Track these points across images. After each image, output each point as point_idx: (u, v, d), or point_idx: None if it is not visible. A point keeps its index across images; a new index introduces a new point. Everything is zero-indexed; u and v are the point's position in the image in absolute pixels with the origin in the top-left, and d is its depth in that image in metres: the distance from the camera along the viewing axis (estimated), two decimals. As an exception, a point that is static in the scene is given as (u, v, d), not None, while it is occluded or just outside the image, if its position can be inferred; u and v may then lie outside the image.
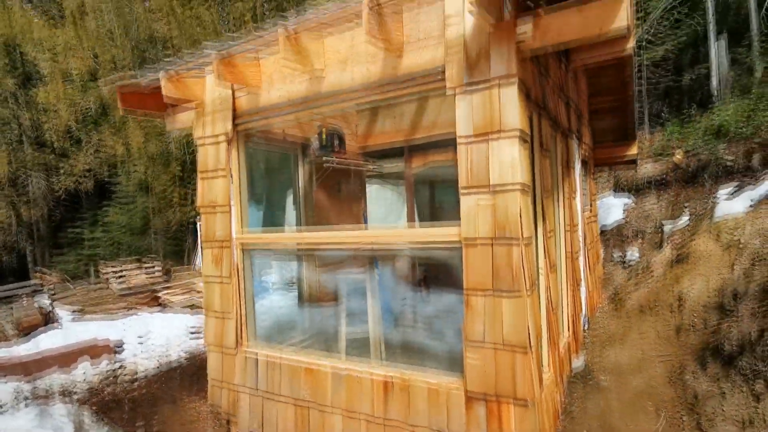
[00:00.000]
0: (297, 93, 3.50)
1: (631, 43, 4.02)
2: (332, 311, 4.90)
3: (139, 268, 12.43)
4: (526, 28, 2.57)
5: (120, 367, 5.03)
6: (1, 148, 19.62)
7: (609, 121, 6.61)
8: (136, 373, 4.94)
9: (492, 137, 2.64)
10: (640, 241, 7.87)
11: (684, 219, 7.32)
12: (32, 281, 12.37)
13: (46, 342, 6.02)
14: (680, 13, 9.83)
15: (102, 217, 21.39)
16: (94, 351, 5.44)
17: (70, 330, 6.65)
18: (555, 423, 3.47)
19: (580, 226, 5.42)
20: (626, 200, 8.59)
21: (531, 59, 3.01)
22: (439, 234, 2.87)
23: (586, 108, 6.00)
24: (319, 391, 3.35)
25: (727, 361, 3.33)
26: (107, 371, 4.90)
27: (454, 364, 2.88)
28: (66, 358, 5.23)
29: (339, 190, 5.60)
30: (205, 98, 4.01)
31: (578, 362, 4.52)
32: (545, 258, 3.50)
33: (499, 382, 2.62)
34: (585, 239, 5.59)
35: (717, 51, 11.18)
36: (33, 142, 21.55)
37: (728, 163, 7.51)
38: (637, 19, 10.41)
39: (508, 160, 2.59)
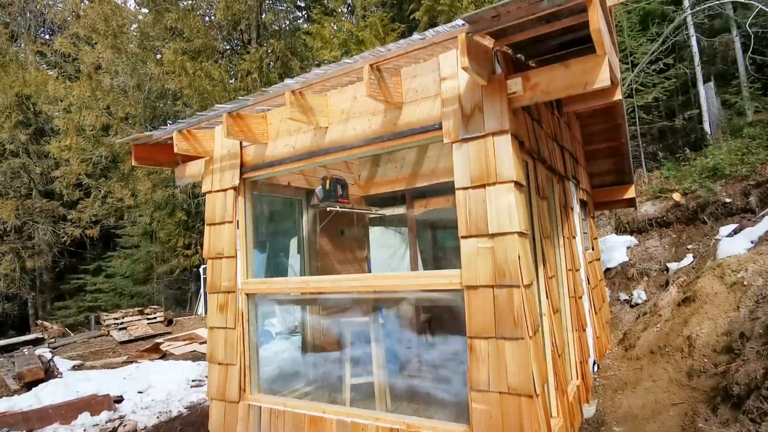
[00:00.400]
0: (302, 146, 3.67)
1: (617, 95, 4.23)
2: (336, 358, 4.86)
3: (141, 317, 12.34)
4: (516, 86, 2.75)
5: (120, 422, 4.93)
6: (10, 198, 20.05)
7: (606, 164, 6.78)
8: (135, 428, 4.83)
9: (489, 186, 2.76)
10: (645, 281, 7.84)
11: (688, 259, 7.33)
12: (33, 333, 12.27)
13: (47, 395, 5.92)
14: (666, 61, 10.31)
15: (106, 266, 21.47)
16: (94, 405, 5.36)
17: (71, 382, 6.55)
18: (567, 474, 3.36)
19: (582, 268, 5.45)
20: (629, 240, 8.63)
21: (524, 110, 3.19)
22: (441, 279, 2.92)
23: (581, 152, 6.18)
24: (324, 443, 3.28)
25: (735, 403, 3.27)
26: (106, 426, 4.80)
27: (461, 411, 2.84)
28: (67, 412, 5.15)
29: (342, 236, 5.69)
30: (214, 152, 4.20)
31: (590, 409, 4.42)
32: (548, 301, 3.53)
33: (506, 430, 2.58)
34: (588, 280, 5.60)
35: (706, 95, 11.59)
36: (41, 193, 22.05)
37: (727, 202, 7.61)
38: (625, 66, 10.90)
39: (505, 207, 2.69)
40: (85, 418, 5.06)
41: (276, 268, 5.12)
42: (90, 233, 17.54)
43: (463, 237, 2.82)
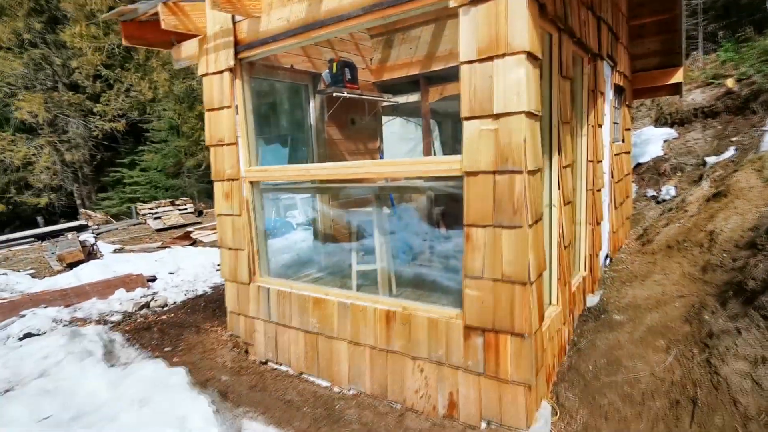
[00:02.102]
0: (297, 18, 3.28)
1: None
2: (347, 247, 4.96)
3: (173, 207, 12.95)
4: (539, -74, 2.23)
5: (152, 297, 5.37)
6: (37, 91, 20.19)
7: (653, 43, 5.97)
8: (166, 302, 5.26)
9: (497, 58, 2.41)
10: (678, 176, 7.40)
11: (729, 152, 6.76)
12: (78, 221, 13.18)
13: (87, 274, 6.48)
14: None
15: (139, 160, 22.16)
16: (129, 282, 5.82)
17: (109, 263, 7.11)
18: (561, 357, 3.47)
19: (606, 160, 5.11)
20: (668, 133, 7.99)
21: (549, -34, 2.67)
22: (441, 166, 2.74)
23: (625, 28, 5.41)
24: (327, 322, 3.46)
25: (749, 298, 3.16)
26: (140, 300, 5.25)
27: (458, 297, 2.86)
28: (104, 288, 5.63)
29: (353, 125, 5.44)
30: (207, 29, 3.86)
31: (593, 299, 4.45)
32: (559, 191, 3.33)
33: (497, 315, 2.60)
34: (612, 173, 5.29)
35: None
36: (67, 86, 22.04)
37: (786, 90, 6.75)
38: None
39: (514, 83, 2.37)
40: (120, 293, 5.54)
41: (284, 156, 5.02)
42: (117, 126, 17.76)
43: (465, 118, 2.56)
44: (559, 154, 3.30)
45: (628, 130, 6.22)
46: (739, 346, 2.78)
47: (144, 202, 16.74)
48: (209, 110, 3.98)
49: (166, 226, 11.77)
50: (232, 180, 3.94)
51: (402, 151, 8.72)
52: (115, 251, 9.14)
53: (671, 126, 8.05)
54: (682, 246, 5.03)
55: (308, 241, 6.50)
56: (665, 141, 7.82)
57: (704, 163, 6.89)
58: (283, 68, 4.57)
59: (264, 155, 4.88)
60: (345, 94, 4.70)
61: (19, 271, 7.39)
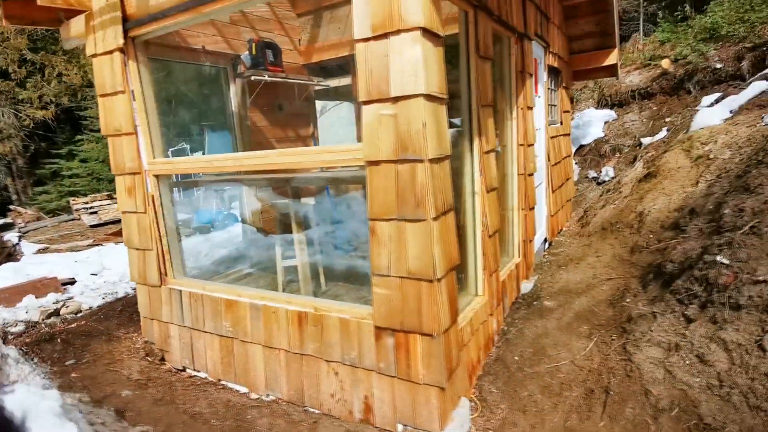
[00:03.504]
0: (187, -9, 2.93)
1: None
2: (273, 241, 4.69)
3: (111, 201, 12.16)
4: None
5: (64, 303, 4.92)
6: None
7: (587, 24, 5.92)
8: (80, 309, 4.84)
9: (392, 35, 2.18)
10: (617, 157, 7.50)
11: (662, 133, 6.89)
12: (3, 218, 12.18)
13: (-4, 279, 5.89)
14: None
15: (77, 150, 20.74)
16: (40, 287, 5.32)
17: (24, 266, 6.52)
18: (488, 348, 3.38)
19: (542, 143, 5.04)
20: (608, 115, 8.08)
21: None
22: (344, 155, 2.51)
23: (557, 8, 5.31)
24: (240, 325, 3.20)
25: (666, 281, 3.15)
26: (49, 307, 4.79)
27: (368, 295, 2.67)
28: (11, 295, 5.12)
29: (281, 110, 5.11)
30: (92, 2, 3.42)
31: (527, 285, 4.40)
32: (482, 178, 3.18)
33: (405, 314, 2.42)
34: (549, 157, 5.23)
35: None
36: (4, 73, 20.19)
37: (717, 68, 6.90)
38: None
39: (410, 64, 2.15)
40: (29, 300, 5.05)
41: (205, 147, 4.65)
42: (45, 114, 16.43)
43: (363, 102, 2.33)
44: (480, 138, 3.14)
45: (567, 112, 6.19)
46: (654, 331, 2.75)
47: (86, 195, 15.66)
48: (102, 96, 3.56)
49: (101, 222, 11.04)
50: (134, 174, 3.56)
51: (351, 136, 8.44)
52: (38, 251, 8.45)
53: (611, 108, 8.15)
54: (615, 228, 5.07)
55: (249, 234, 6.19)
56: (606, 123, 7.91)
57: (640, 144, 7.01)
58: (194, 49, 4.17)
59: (177, 145, 4.49)
60: (266, 78, 4.37)
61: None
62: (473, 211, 3.23)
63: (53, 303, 5.03)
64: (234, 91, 4.66)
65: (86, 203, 11.90)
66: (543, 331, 3.51)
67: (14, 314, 4.72)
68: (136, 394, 3.13)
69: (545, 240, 5.35)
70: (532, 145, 4.32)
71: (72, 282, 5.81)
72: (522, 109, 4.08)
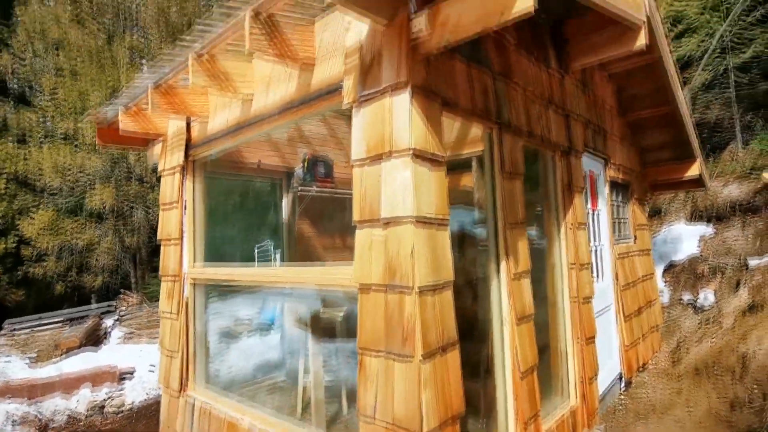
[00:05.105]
0: (233, 118, 3.28)
1: (640, 40, 3.24)
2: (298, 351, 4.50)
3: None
4: (420, 24, 2.07)
5: (110, 396, 5.08)
6: (111, 184, 22.54)
7: (660, 136, 5.51)
8: (123, 403, 4.94)
9: (385, 158, 2.14)
10: (718, 279, 6.38)
11: (775, 254, 5.79)
12: (109, 302, 13.67)
13: (71, 364, 6.36)
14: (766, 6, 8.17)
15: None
16: (98, 378, 5.61)
17: (103, 353, 7.01)
18: None
19: (606, 262, 4.47)
20: (702, 229, 7.11)
21: (464, 57, 2.48)
22: (336, 275, 2.38)
23: (616, 121, 5.05)
24: (237, 451, 2.96)
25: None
26: (98, 400, 4.97)
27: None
28: (73, 382, 5.44)
29: (330, 220, 5.26)
30: (168, 130, 3.99)
31: (590, 437, 3.57)
32: (511, 305, 2.80)
33: (389, 474, 2.02)
34: (617, 278, 4.59)
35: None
36: (137, 178, 24.50)
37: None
38: (716, 18, 8.89)
39: (400, 187, 2.06)
40: (85, 390, 5.31)
41: (250, 254, 4.86)
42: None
43: (357, 223, 2.24)
44: (508, 260, 2.84)
45: (643, 227, 5.54)
46: None
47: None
48: (162, 206, 3.97)
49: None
50: (175, 278, 3.77)
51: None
52: (122, 337, 9.14)
53: (707, 221, 7.18)
54: (712, 371, 4.10)
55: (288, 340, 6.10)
56: (701, 238, 6.92)
57: (746, 266, 5.92)
58: (250, 166, 4.59)
59: (239, 253, 4.73)
60: (313, 191, 4.59)
61: (24, 356, 7.48)
62: (502, 344, 2.81)
63: (105, 394, 5.23)
64: (286, 202, 4.95)
65: (177, 294, 12.95)
66: None
67: (66, 404, 4.95)
68: None
69: (620, 378, 4.47)
70: (587, 265, 3.82)
71: (131, 372, 6.06)
72: (572, 226, 3.70)
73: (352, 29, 2.37)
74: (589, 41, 3.57)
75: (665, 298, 6.61)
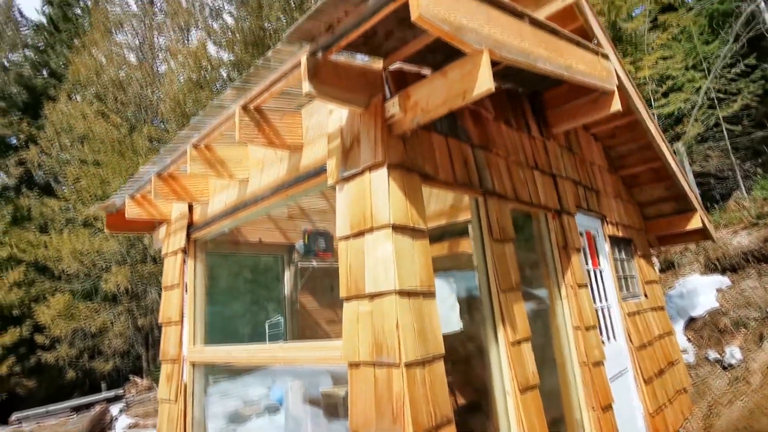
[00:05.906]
0: (231, 200, 3.44)
1: (614, 105, 3.42)
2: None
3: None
4: (394, 107, 2.23)
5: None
6: (127, 266, 22.90)
7: (656, 190, 5.55)
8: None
9: (367, 233, 2.21)
10: (743, 333, 6.07)
11: (798, 303, 5.54)
12: (116, 390, 13.34)
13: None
14: (748, 62, 8.53)
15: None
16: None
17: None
18: None
19: (616, 322, 4.33)
20: (718, 281, 6.90)
21: (441, 134, 2.62)
22: (326, 351, 2.35)
23: (610, 179, 5.13)
24: None
25: None
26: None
27: None
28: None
29: (332, 291, 5.25)
30: (171, 214, 4.16)
31: None
32: (512, 374, 2.70)
33: None
34: (630, 338, 4.40)
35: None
36: (151, 259, 24.91)
37: None
38: (700, 74, 9.29)
39: (382, 260, 2.10)
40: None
41: (254, 331, 4.82)
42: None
43: (344, 299, 2.26)
44: (504, 327, 2.78)
45: (652, 282, 5.39)
46: None
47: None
48: (164, 288, 4.03)
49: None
50: (174, 361, 3.73)
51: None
52: (129, 426, 8.83)
53: (722, 272, 6.98)
54: (747, 437, 3.77)
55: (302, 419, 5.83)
56: (718, 290, 6.69)
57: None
58: (252, 243, 4.70)
59: (244, 331, 4.71)
60: (313, 264, 4.64)
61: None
62: (507, 417, 2.67)
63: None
64: (287, 277, 4.99)
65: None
66: None
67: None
68: None
69: (648, 449, 4.13)
70: (593, 327, 3.70)
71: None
72: (572, 287, 3.64)
73: (334, 114, 2.55)
74: (567, 108, 3.76)
75: (690, 357, 6.27)
